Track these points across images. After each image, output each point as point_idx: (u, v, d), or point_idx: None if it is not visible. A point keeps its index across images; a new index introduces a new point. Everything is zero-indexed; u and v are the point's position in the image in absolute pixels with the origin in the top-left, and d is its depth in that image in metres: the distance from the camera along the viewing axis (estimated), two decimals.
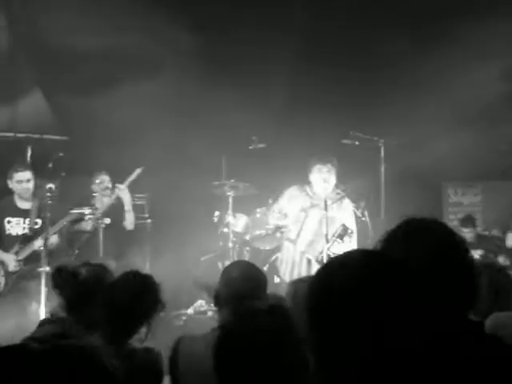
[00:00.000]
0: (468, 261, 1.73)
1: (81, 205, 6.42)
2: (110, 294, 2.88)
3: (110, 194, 6.50)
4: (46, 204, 5.61)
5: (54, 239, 6.02)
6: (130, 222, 6.53)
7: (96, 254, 6.13)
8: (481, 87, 7.12)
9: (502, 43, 7.07)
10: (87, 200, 6.51)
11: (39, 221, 5.98)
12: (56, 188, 5.75)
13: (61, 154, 7.20)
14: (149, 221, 7.27)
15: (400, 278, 1.29)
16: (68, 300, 3.12)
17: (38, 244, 5.91)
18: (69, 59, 7.16)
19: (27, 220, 6.04)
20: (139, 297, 2.85)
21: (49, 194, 5.59)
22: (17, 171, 6.11)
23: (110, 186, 6.53)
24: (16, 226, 6.07)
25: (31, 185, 6.06)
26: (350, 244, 5.77)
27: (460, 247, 1.74)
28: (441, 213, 9.00)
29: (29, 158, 7.55)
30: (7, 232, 6.06)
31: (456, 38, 6.83)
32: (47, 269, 5.38)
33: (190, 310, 6.89)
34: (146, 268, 7.15)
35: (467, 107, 7.23)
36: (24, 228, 6.06)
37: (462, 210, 8.63)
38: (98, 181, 6.55)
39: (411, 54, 7.19)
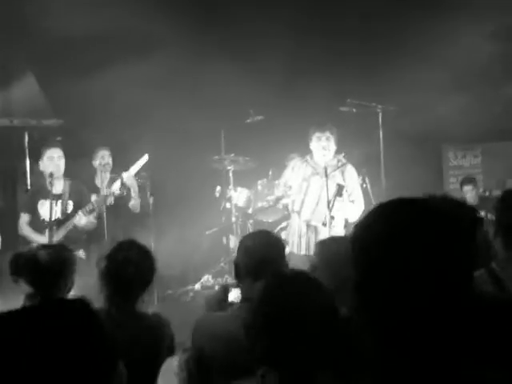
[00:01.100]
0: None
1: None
2: (108, 263, 2.92)
3: (112, 172, 6.47)
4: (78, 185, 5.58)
5: (91, 220, 6.02)
6: (136, 205, 6.52)
7: (102, 237, 6.15)
8: (475, 49, 7.08)
9: (493, 3, 7.02)
10: (90, 182, 6.49)
11: (70, 203, 5.91)
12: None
13: (58, 138, 7.20)
14: (151, 199, 7.27)
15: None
16: (32, 285, 3.12)
17: (76, 223, 5.91)
18: (60, 42, 7.09)
19: (59, 202, 5.94)
20: (138, 264, 2.90)
21: (50, 180, 5.58)
22: (48, 147, 6.03)
23: (110, 161, 6.49)
24: (47, 210, 5.92)
25: (62, 163, 5.92)
26: (351, 203, 5.77)
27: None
28: (441, 176, 9.02)
29: (26, 144, 7.53)
30: (41, 217, 5.96)
31: (449, 2, 6.79)
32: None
33: (198, 286, 6.94)
34: (151, 246, 7.18)
35: (462, 70, 7.21)
36: (56, 212, 5.94)
37: (463, 172, 8.64)
38: (99, 156, 6.47)
39: (406, 20, 7.14)
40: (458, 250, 1.24)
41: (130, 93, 7.19)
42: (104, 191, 6.08)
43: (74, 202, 5.91)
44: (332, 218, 5.51)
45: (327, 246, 3.01)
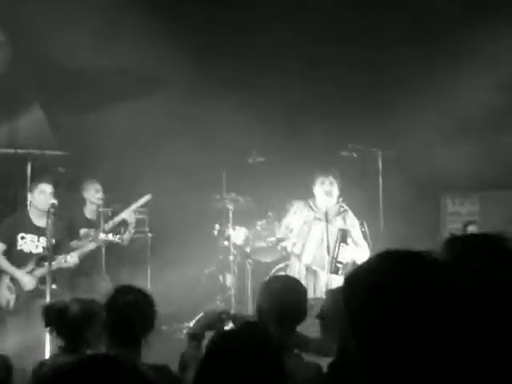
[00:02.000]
0: None
1: (73, 220, 6.42)
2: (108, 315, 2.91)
3: (112, 208, 6.51)
4: (55, 221, 5.60)
5: (74, 259, 5.97)
6: (127, 239, 6.52)
7: (98, 269, 6.15)
8: (476, 99, 7.19)
9: (502, 54, 7.14)
10: (81, 214, 6.51)
11: (53, 240, 5.74)
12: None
13: (61, 170, 7.26)
14: (149, 234, 7.31)
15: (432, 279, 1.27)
16: (63, 337, 3.15)
17: (58, 263, 5.85)
18: (68, 76, 7.21)
19: (42, 238, 5.89)
20: (134, 316, 2.88)
21: (53, 210, 5.58)
22: (41, 181, 6.03)
23: (101, 196, 6.48)
24: (30, 243, 5.95)
25: (51, 199, 5.85)
26: (356, 247, 5.81)
27: None
28: (438, 223, 9.04)
29: (29, 174, 7.58)
30: (19, 248, 5.92)
31: (456, 50, 6.91)
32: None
33: (192, 323, 6.90)
34: (148, 282, 7.19)
35: (464, 118, 7.30)
36: (37, 246, 5.94)
37: (460, 219, 8.66)
38: (91, 190, 6.49)
39: (409, 70, 7.26)
40: (445, 310, 1.23)
41: (135, 130, 7.29)
42: (105, 237, 6.07)
43: (56, 239, 5.83)
44: (340, 263, 5.54)
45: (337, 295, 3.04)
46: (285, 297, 2.87)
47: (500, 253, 1.69)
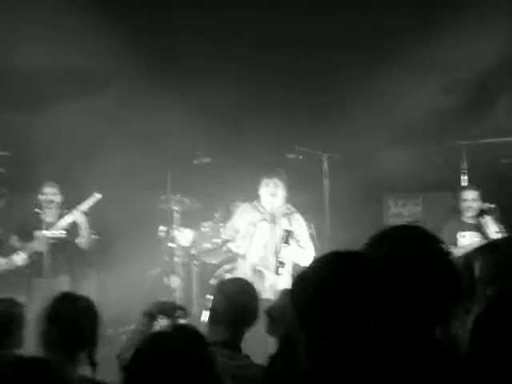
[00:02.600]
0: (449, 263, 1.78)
1: (26, 221, 6.32)
2: (48, 323, 2.82)
3: (61, 208, 6.40)
4: None
5: (22, 257, 5.89)
6: (86, 241, 6.45)
7: (44, 271, 6.05)
8: (419, 103, 7.35)
9: (443, 58, 7.31)
10: (35, 215, 6.38)
11: None
12: None
13: (2, 170, 7.08)
14: (94, 237, 7.19)
15: (371, 278, 1.35)
16: None
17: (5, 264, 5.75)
18: (8, 74, 7.04)
19: None
20: (79, 324, 2.81)
21: None
22: None
23: (57, 199, 6.39)
24: None
25: None
26: (299, 247, 5.85)
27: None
28: (382, 224, 9.21)
29: None
30: None
31: (397, 54, 7.04)
32: None
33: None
34: (91, 284, 7.08)
35: (406, 122, 7.45)
36: None
37: (403, 220, 8.83)
38: (47, 192, 6.37)
39: (354, 73, 7.37)
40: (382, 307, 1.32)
41: (77, 129, 7.16)
42: (49, 234, 5.99)
43: None
44: (281, 263, 5.57)
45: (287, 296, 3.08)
46: (238, 299, 2.90)
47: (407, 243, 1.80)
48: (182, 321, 3.03)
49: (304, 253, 5.81)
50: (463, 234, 6.51)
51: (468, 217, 6.58)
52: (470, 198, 6.56)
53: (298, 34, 7.37)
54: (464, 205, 6.59)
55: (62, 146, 7.11)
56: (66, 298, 2.90)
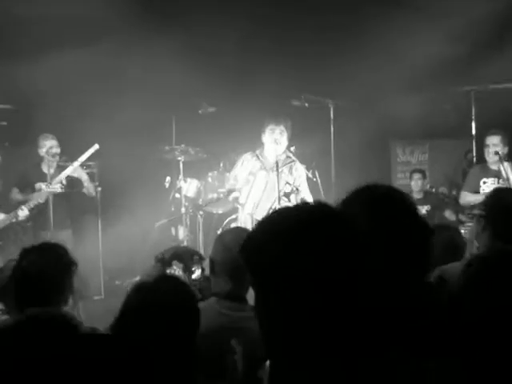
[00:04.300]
0: (420, 224, 1.77)
1: (28, 174, 6.30)
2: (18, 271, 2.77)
3: (60, 160, 6.37)
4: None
5: (25, 212, 5.91)
6: (91, 190, 6.49)
7: (48, 224, 6.05)
8: (427, 49, 7.20)
9: (448, 4, 7.14)
10: (37, 168, 6.35)
11: None
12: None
13: (3, 123, 7.03)
14: (99, 189, 7.16)
15: (340, 231, 1.26)
16: None
17: (8, 218, 5.77)
18: (6, 25, 6.90)
19: None
20: (42, 262, 2.73)
21: None
22: None
23: (58, 151, 6.37)
24: None
25: None
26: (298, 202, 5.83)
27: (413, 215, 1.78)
28: (389, 172, 9.16)
29: None
30: None
31: (405, 2, 6.88)
32: None
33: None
34: (98, 236, 7.10)
35: (414, 69, 7.31)
36: None
37: (410, 168, 8.78)
38: (47, 145, 6.34)
39: (361, 16, 7.20)
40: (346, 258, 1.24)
41: (78, 79, 7.05)
42: (48, 188, 5.98)
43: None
44: None
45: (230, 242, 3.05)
46: (236, 249, 2.84)
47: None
48: (197, 267, 2.98)
49: None
50: (485, 180, 6.38)
51: (491, 162, 6.44)
52: (493, 144, 6.39)
53: None
54: (486, 150, 6.45)
55: (63, 99, 7.02)
56: (30, 252, 2.80)
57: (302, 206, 1.35)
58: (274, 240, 1.25)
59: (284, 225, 1.27)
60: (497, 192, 3.39)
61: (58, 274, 2.73)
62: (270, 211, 5.46)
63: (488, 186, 6.28)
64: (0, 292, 3.03)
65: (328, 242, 1.23)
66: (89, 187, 6.45)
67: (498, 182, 6.29)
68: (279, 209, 1.37)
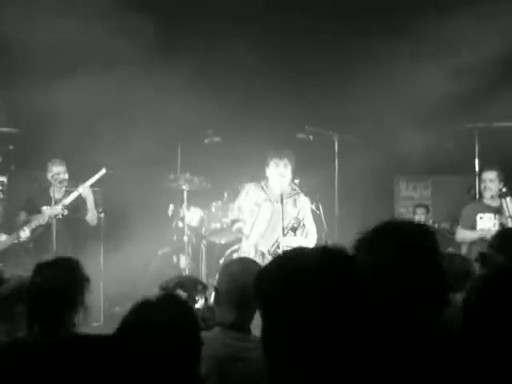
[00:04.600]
0: (436, 261, 1.77)
1: (35, 198, 6.32)
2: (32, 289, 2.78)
3: (67, 185, 6.40)
4: (2, 198, 5.50)
5: (26, 233, 5.92)
6: (93, 218, 6.48)
7: (51, 247, 6.05)
8: (431, 86, 7.27)
9: (453, 43, 7.22)
10: (45, 193, 6.37)
11: None
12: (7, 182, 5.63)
13: (11, 147, 7.06)
14: (102, 215, 7.18)
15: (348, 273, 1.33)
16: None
17: (10, 239, 5.78)
18: (18, 50, 6.99)
19: None
20: (57, 278, 2.74)
21: (0, 188, 5.46)
22: None
23: (66, 177, 6.41)
24: None
25: None
26: (305, 238, 5.84)
27: (430, 249, 1.78)
28: (392, 206, 9.18)
29: None
30: None
31: (410, 37, 6.95)
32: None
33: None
34: (100, 262, 7.09)
35: (418, 105, 7.38)
36: None
37: (413, 203, 8.81)
38: (54, 171, 6.37)
39: (367, 52, 7.29)
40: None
41: (88, 106, 7.12)
42: (50, 210, 6.00)
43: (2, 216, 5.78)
44: (282, 248, 5.56)
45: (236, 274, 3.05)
46: (243, 280, 2.84)
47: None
48: (200, 297, 2.98)
49: (306, 242, 5.80)
50: (481, 215, 6.41)
51: (487, 198, 6.48)
52: (489, 179, 6.46)
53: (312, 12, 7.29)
54: (483, 185, 6.49)
55: (69, 123, 7.07)
56: (45, 267, 2.83)
57: (322, 251, 1.39)
58: (294, 282, 1.30)
59: (304, 268, 1.32)
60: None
61: (71, 290, 2.76)
62: (278, 245, 5.53)
63: (484, 221, 6.31)
64: None
65: (344, 288, 1.29)
66: (92, 214, 6.44)
67: (495, 218, 6.33)
68: (296, 249, 1.44)
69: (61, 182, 6.33)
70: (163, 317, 1.92)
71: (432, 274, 1.73)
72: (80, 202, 6.35)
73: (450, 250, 7.31)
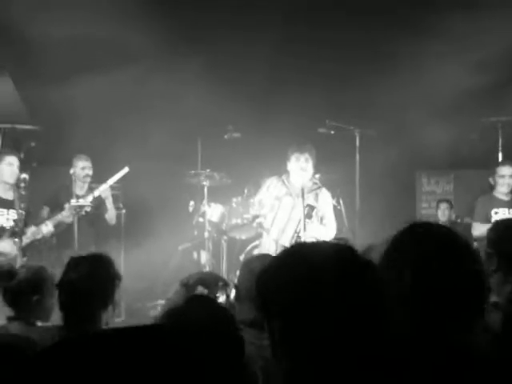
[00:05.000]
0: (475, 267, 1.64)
1: (59, 194, 6.35)
2: (63, 282, 2.84)
3: (90, 181, 6.43)
4: (25, 195, 5.52)
5: (49, 228, 5.95)
6: (112, 216, 6.50)
7: (73, 243, 6.08)
8: (454, 78, 7.18)
9: (477, 36, 7.12)
10: (68, 189, 6.39)
11: (23, 212, 5.65)
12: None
13: (32, 144, 7.11)
14: (123, 211, 7.20)
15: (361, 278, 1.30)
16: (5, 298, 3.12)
17: (32, 234, 5.81)
18: (39, 46, 7.01)
19: (11, 211, 5.78)
20: (92, 276, 2.80)
21: (23, 185, 5.49)
22: (8, 154, 5.92)
23: (90, 173, 6.44)
24: (0, 217, 5.82)
25: (17, 171, 5.79)
26: (323, 226, 5.80)
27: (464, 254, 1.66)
28: (414, 202, 9.10)
29: None
30: None
31: (433, 29, 6.87)
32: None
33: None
34: (121, 258, 7.11)
35: (440, 98, 7.30)
36: (8, 219, 5.80)
37: (435, 198, 8.72)
38: (79, 166, 6.39)
39: (389, 46, 7.21)
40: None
41: (108, 101, 7.13)
42: (75, 203, 6.02)
43: (25, 211, 5.74)
44: (299, 238, 5.53)
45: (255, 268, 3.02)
46: None
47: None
48: (222, 294, 2.96)
49: (325, 230, 5.75)
50: (496, 210, 6.35)
51: (502, 193, 6.41)
52: (506, 174, 6.39)
53: (335, 8, 7.23)
54: (499, 181, 6.42)
55: (89, 119, 7.10)
56: (79, 263, 2.88)
57: (330, 253, 1.35)
58: (296, 283, 1.28)
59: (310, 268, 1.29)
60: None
61: (105, 288, 2.82)
62: (298, 237, 5.50)
63: (499, 216, 6.23)
64: (12, 297, 3.10)
65: (356, 288, 1.27)
66: (110, 213, 6.45)
67: (509, 213, 6.26)
68: (303, 246, 1.42)
69: (84, 177, 6.34)
70: (197, 324, 1.89)
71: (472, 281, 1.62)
72: (100, 200, 6.36)
73: (476, 245, 7.25)
